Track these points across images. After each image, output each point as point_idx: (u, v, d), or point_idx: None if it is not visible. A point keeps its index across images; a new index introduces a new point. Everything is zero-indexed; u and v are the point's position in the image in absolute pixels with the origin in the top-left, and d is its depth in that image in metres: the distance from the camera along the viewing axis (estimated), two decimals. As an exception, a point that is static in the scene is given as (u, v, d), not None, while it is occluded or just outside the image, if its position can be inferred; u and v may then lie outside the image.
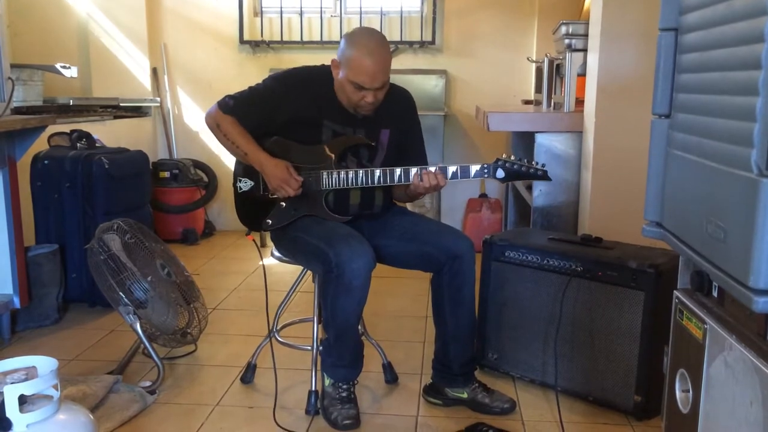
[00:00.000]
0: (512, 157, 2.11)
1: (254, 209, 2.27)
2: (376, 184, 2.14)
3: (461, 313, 2.20)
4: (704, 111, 1.24)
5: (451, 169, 2.10)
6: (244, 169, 2.27)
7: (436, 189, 2.13)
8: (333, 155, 2.17)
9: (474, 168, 2.10)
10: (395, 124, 2.26)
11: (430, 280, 2.24)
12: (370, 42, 2.07)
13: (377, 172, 2.12)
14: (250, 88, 2.23)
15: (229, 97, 2.21)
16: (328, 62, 2.19)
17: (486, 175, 2.10)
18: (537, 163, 2.12)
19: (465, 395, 2.25)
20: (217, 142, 2.24)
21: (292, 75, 2.23)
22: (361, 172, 2.13)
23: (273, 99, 2.18)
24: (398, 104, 2.28)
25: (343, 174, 2.15)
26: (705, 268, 1.23)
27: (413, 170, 2.11)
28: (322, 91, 2.18)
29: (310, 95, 2.18)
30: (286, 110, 2.17)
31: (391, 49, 2.17)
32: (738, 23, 1.09)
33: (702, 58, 1.26)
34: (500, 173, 2.10)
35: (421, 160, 2.31)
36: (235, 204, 2.32)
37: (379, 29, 4.63)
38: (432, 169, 2.10)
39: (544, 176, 2.11)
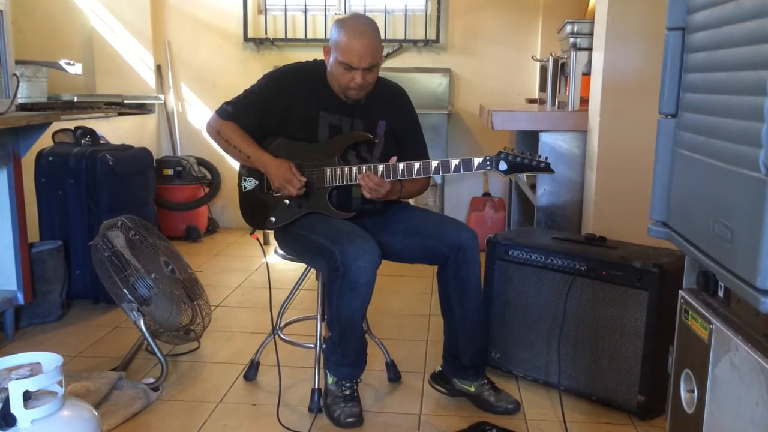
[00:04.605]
0: (515, 150, 2.10)
1: (258, 208, 2.28)
2: None
3: (468, 303, 2.20)
4: (712, 111, 1.24)
5: (454, 162, 2.10)
6: (248, 169, 2.28)
7: (378, 189, 2.11)
8: (336, 153, 2.18)
9: (477, 161, 2.09)
10: (390, 116, 2.28)
11: (436, 273, 2.24)
12: (359, 24, 2.11)
13: (380, 167, 2.13)
14: (245, 91, 2.27)
15: (226, 103, 2.25)
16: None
17: (489, 168, 2.09)
18: (540, 156, 2.11)
19: (472, 389, 2.25)
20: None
21: (286, 71, 2.27)
22: (364, 167, 2.14)
23: (270, 97, 2.21)
24: (391, 96, 2.31)
25: (347, 170, 2.16)
26: (711, 268, 1.23)
27: (416, 165, 2.11)
28: (317, 83, 2.21)
29: (306, 89, 2.21)
30: (284, 106, 2.20)
31: (383, 44, 2.17)
32: (746, 23, 1.09)
33: (710, 58, 1.26)
34: (503, 165, 2.08)
35: (421, 153, 2.32)
36: (239, 203, 2.33)
37: (383, 27, 4.70)
38: (381, 168, 2.10)
39: (547, 168, 2.09)
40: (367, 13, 4.74)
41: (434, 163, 2.11)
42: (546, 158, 2.10)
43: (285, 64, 2.31)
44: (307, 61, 2.30)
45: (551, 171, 2.12)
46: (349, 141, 2.21)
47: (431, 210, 4.61)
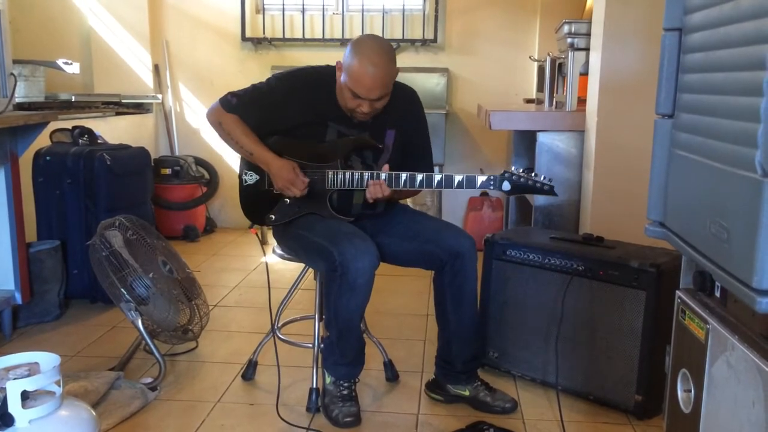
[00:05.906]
0: (520, 170, 2.08)
1: (258, 203, 2.27)
2: None
3: (463, 311, 2.20)
4: (708, 111, 1.24)
5: (457, 178, 2.08)
6: (249, 163, 2.26)
7: (383, 197, 2.11)
8: (339, 155, 2.16)
9: (480, 179, 2.07)
10: (400, 124, 2.24)
11: (432, 278, 2.24)
12: (374, 54, 2.03)
13: (383, 175, 2.10)
14: (253, 86, 2.21)
15: (231, 94, 2.19)
16: (329, 60, 2.18)
17: (492, 187, 2.08)
18: (544, 177, 2.09)
19: (467, 393, 2.25)
20: (219, 139, 2.23)
21: (295, 76, 2.21)
22: (367, 173, 2.12)
23: (276, 100, 2.17)
24: (403, 103, 2.25)
25: (348, 174, 2.14)
26: (708, 268, 1.23)
27: (419, 176, 2.10)
28: (326, 92, 2.16)
29: (314, 97, 2.17)
30: (290, 112, 2.17)
31: (396, 62, 2.10)
32: (743, 23, 1.09)
33: (706, 59, 1.26)
34: (506, 185, 2.07)
35: (426, 159, 2.31)
36: (239, 196, 2.31)
37: (381, 27, 4.71)
38: (383, 176, 2.09)
39: (551, 191, 2.08)
40: (365, 13, 4.75)
41: (437, 177, 2.09)
42: (550, 180, 2.09)
43: (296, 68, 2.25)
44: (318, 66, 2.24)
45: (554, 194, 2.10)
46: (353, 144, 2.18)
47: (429, 210, 4.62)
